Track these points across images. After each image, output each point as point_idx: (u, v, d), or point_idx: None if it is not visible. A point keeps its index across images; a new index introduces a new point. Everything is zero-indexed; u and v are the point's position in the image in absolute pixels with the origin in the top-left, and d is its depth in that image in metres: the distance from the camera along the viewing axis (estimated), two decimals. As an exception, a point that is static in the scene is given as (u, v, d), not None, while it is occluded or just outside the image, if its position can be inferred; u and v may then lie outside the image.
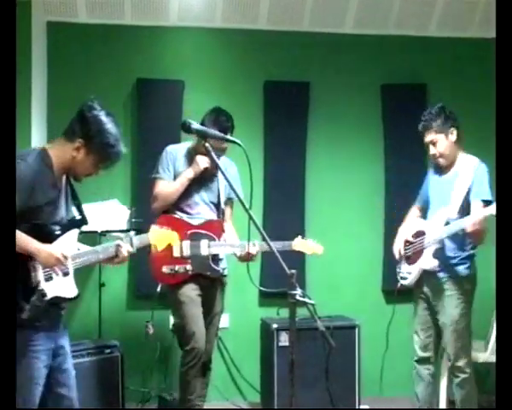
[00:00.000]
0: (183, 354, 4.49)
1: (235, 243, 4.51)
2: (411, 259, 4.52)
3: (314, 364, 4.96)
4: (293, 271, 2.84)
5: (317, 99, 5.95)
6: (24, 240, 3.06)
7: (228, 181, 3.25)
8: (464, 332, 4.37)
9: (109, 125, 3.26)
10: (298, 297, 2.82)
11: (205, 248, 4.46)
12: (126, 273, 5.70)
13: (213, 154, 3.16)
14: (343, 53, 6.00)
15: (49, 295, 3.14)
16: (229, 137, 3.69)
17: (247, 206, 3.01)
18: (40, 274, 3.13)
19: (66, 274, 3.22)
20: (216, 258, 4.54)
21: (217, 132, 3.50)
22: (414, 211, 4.78)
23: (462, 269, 4.37)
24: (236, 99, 5.64)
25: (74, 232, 3.31)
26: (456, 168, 4.44)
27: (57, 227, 3.23)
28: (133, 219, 5.30)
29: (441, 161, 4.47)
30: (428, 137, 4.45)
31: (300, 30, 5.92)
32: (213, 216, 4.58)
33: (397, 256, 4.63)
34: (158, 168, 4.56)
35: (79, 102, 5.53)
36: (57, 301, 3.24)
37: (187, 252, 4.44)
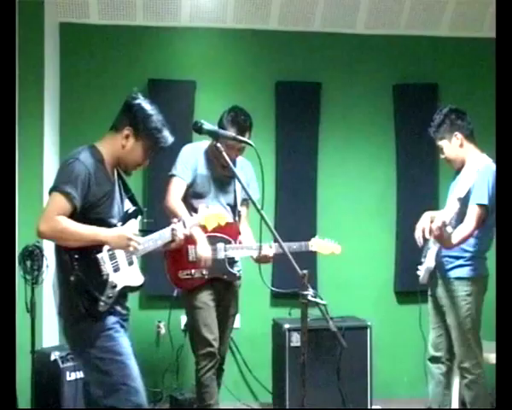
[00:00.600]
0: (197, 360, 4.44)
1: (252, 246, 4.43)
2: (425, 257, 4.52)
3: (326, 364, 4.97)
4: (305, 271, 2.84)
5: (329, 100, 5.95)
6: (92, 231, 3.16)
7: (241, 183, 3.25)
8: (470, 334, 4.35)
9: (154, 111, 3.36)
10: (310, 298, 2.82)
11: (221, 251, 4.41)
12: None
13: (225, 154, 3.16)
14: (355, 53, 5.99)
15: (119, 286, 3.25)
16: (240, 138, 3.66)
17: (259, 207, 3.02)
18: (109, 266, 3.21)
19: (131, 263, 3.32)
20: (232, 261, 4.50)
21: (227, 133, 3.50)
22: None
23: (466, 270, 4.35)
24: (248, 100, 5.63)
25: (132, 223, 3.38)
26: (465, 168, 4.43)
27: (116, 220, 3.31)
28: (145, 220, 5.30)
29: (451, 164, 4.50)
30: (437, 143, 4.50)
31: (312, 31, 5.91)
32: (229, 218, 4.51)
33: (417, 236, 4.53)
34: (176, 166, 4.47)
35: (91, 102, 5.64)
36: (126, 291, 3.35)
37: None
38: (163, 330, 5.59)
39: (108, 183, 3.31)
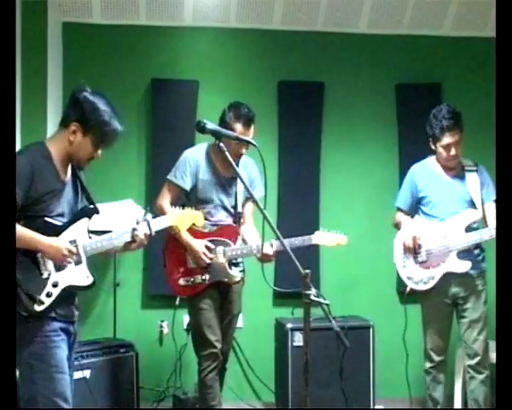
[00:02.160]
0: (199, 361, 4.45)
1: (252, 246, 4.41)
2: (428, 263, 4.49)
3: (328, 364, 4.97)
4: (308, 271, 2.84)
5: (332, 99, 5.95)
6: (30, 237, 3.08)
7: (243, 183, 3.25)
8: (487, 328, 4.42)
9: (101, 103, 3.23)
10: (312, 297, 2.82)
11: (221, 254, 4.40)
12: (141, 273, 5.72)
13: (228, 154, 3.15)
14: (357, 53, 5.99)
15: (62, 285, 3.17)
16: (243, 137, 3.66)
17: (262, 206, 3.02)
18: (50, 264, 3.16)
19: (78, 263, 3.23)
20: (233, 263, 4.50)
21: (230, 132, 3.49)
22: (402, 217, 4.74)
23: (482, 266, 4.47)
24: (251, 99, 5.61)
25: (84, 221, 3.29)
26: (461, 169, 4.47)
27: (62, 219, 3.23)
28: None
29: (456, 161, 4.48)
30: (453, 138, 4.40)
31: (315, 30, 5.91)
32: (230, 221, 4.52)
33: (404, 244, 4.56)
34: (175, 172, 4.47)
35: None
36: (71, 291, 3.25)
37: None
38: (166, 330, 5.59)
39: (56, 180, 3.21)
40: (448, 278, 4.44)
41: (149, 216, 3.48)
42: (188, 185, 4.45)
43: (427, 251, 4.49)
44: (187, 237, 4.32)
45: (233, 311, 4.61)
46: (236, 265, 4.54)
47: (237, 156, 4.29)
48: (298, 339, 5.11)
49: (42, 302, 3.10)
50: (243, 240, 4.56)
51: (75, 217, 3.29)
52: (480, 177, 4.42)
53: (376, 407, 5.31)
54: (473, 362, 4.47)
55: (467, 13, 5.88)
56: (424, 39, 6.03)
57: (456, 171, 4.51)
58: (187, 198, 4.49)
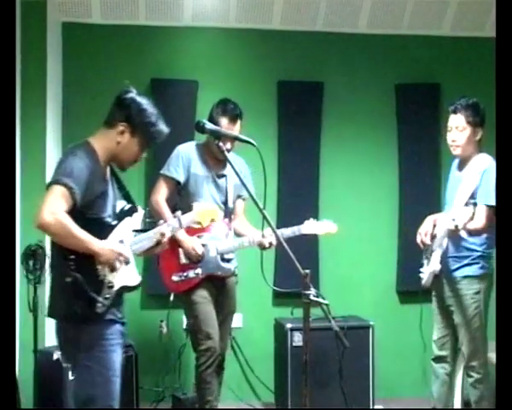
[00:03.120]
0: (197, 356, 4.47)
1: (243, 240, 4.48)
2: (428, 260, 4.50)
3: (328, 364, 4.97)
4: (307, 271, 2.84)
5: (331, 99, 5.94)
6: (88, 239, 3.06)
7: (241, 180, 3.26)
8: (479, 332, 4.35)
9: (148, 105, 3.25)
10: (312, 297, 2.82)
11: (213, 248, 4.46)
12: (140, 273, 5.70)
13: (226, 154, 3.17)
14: (357, 53, 5.99)
15: (116, 286, 3.18)
16: (242, 137, 3.67)
17: (261, 205, 3.02)
18: (105, 266, 3.15)
19: (127, 263, 3.23)
20: (225, 258, 4.54)
21: (230, 132, 3.51)
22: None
23: (475, 269, 4.35)
24: (250, 99, 5.64)
25: (128, 221, 3.29)
26: (468, 168, 4.39)
27: (111, 219, 3.23)
28: (147, 220, 5.30)
29: (457, 150, 4.38)
30: (456, 121, 4.33)
31: (314, 30, 5.91)
32: (220, 216, 4.55)
33: (419, 241, 4.54)
34: (168, 167, 4.56)
35: (94, 101, 5.64)
36: (123, 291, 3.26)
37: None
38: (165, 330, 5.59)
39: (103, 181, 3.22)
40: (435, 276, 4.43)
41: (179, 213, 3.50)
42: (181, 178, 4.52)
43: (428, 249, 4.49)
44: (180, 233, 4.33)
45: (226, 307, 4.63)
46: (228, 261, 4.59)
47: (222, 152, 4.33)
48: (297, 339, 5.11)
49: (102, 304, 3.10)
50: (237, 234, 4.62)
51: (120, 216, 3.28)
52: (481, 178, 4.33)
53: (376, 407, 5.30)
54: (464, 363, 4.48)
55: (466, 13, 5.88)
56: (424, 39, 6.03)
57: (465, 166, 4.44)
58: (179, 195, 4.57)
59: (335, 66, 5.99)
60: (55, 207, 2.97)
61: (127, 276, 3.26)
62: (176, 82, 5.77)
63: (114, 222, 3.23)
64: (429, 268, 4.40)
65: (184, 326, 5.44)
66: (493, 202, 4.11)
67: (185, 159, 4.53)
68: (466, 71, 6.04)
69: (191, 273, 4.43)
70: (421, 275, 4.51)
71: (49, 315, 3.27)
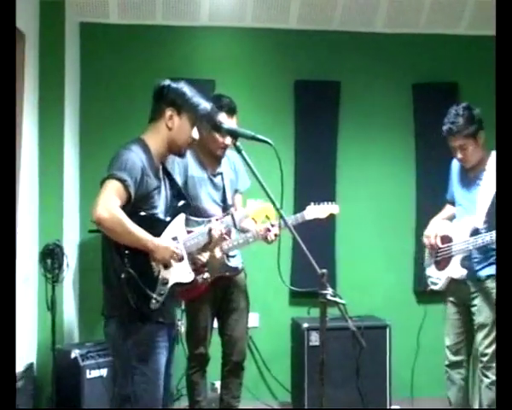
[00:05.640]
0: (188, 359, 4.53)
1: (247, 236, 4.33)
2: (440, 264, 4.46)
3: (345, 364, 4.95)
4: (324, 270, 2.83)
5: (348, 99, 5.94)
6: (143, 236, 3.09)
7: (259, 181, 3.25)
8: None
9: (185, 85, 3.36)
10: (329, 297, 2.82)
11: (217, 249, 4.32)
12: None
13: (245, 154, 3.16)
14: (374, 52, 5.98)
15: (171, 282, 3.20)
16: (259, 136, 3.65)
17: (278, 205, 3.02)
18: (159, 263, 3.17)
19: (181, 259, 3.25)
20: (229, 256, 4.47)
21: (247, 132, 3.48)
22: (448, 207, 4.70)
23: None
24: (267, 99, 5.65)
25: (181, 217, 3.32)
26: (483, 170, 4.35)
27: (163, 215, 3.26)
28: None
29: (468, 163, 4.38)
30: (457, 142, 4.31)
31: (331, 29, 5.91)
32: (221, 215, 4.44)
33: (426, 242, 4.53)
34: None
35: (111, 101, 5.67)
36: (177, 288, 3.27)
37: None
38: (183, 329, 5.59)
39: (156, 177, 3.25)
40: (452, 281, 4.40)
41: (233, 209, 3.50)
42: (180, 181, 4.45)
43: (440, 251, 4.47)
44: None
45: (239, 305, 4.55)
46: (233, 257, 4.52)
47: (222, 148, 4.34)
48: (314, 339, 5.11)
49: (156, 300, 3.11)
50: (240, 229, 4.47)
51: (174, 213, 3.31)
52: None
53: (393, 407, 5.29)
54: (480, 365, 4.43)
55: (483, 12, 5.84)
56: (441, 38, 6.01)
57: (475, 173, 4.41)
58: None
59: (352, 65, 5.98)
60: (110, 203, 3.02)
61: (180, 273, 3.27)
62: (192, 82, 5.71)
63: (168, 219, 3.26)
64: (447, 273, 4.37)
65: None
66: None
67: (181, 163, 4.38)
68: (484, 70, 5.99)
69: (200, 278, 4.35)
70: (431, 279, 4.49)
71: (103, 314, 3.27)
